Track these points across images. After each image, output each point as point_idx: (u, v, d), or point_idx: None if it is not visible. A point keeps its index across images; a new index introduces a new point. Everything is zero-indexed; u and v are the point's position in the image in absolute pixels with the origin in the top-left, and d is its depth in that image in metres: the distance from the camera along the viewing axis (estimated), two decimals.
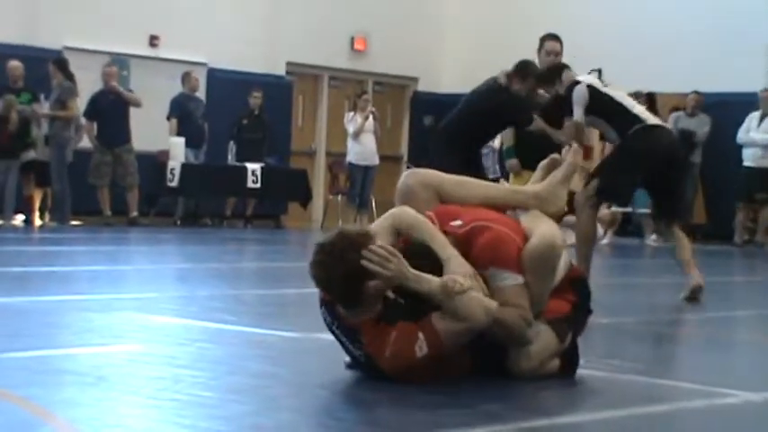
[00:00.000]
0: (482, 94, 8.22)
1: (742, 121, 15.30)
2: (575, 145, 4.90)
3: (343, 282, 3.93)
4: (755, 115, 15.26)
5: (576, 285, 4.36)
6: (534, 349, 4.14)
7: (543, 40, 8.72)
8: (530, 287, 4.13)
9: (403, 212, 4.22)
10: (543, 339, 4.17)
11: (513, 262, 4.13)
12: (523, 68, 8.12)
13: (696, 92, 15.93)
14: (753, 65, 16.08)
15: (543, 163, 4.70)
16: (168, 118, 15.10)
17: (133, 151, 14.45)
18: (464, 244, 4.15)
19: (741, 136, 15.30)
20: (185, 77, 15.40)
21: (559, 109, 7.61)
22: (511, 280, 4.11)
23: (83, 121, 14.21)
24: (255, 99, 15.87)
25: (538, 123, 7.93)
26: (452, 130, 8.23)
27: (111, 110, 14.30)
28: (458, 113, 8.32)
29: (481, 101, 8.20)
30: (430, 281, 3.97)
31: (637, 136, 7.37)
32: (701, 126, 15.78)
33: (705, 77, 16.03)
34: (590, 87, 7.49)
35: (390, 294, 4.04)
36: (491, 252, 4.13)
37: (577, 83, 7.52)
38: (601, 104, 7.46)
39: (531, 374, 4.11)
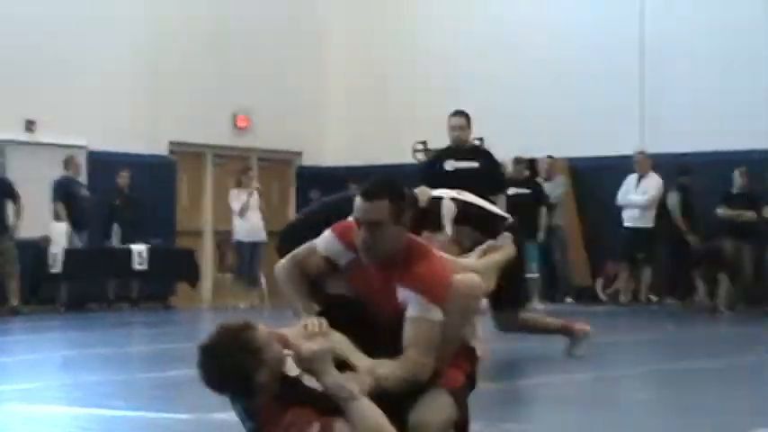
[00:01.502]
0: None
1: (619, 184, 15.69)
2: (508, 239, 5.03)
3: (233, 380, 3.89)
4: (633, 177, 15.67)
5: (472, 356, 4.37)
6: (437, 420, 4.09)
7: (450, 116, 9.02)
8: (447, 324, 4.08)
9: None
10: (445, 409, 4.13)
11: (442, 297, 4.07)
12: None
13: (549, 156, 16.34)
14: (626, 128, 16.53)
15: (481, 247, 4.81)
16: (54, 201, 14.85)
17: (12, 239, 14.16)
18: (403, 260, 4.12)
19: (620, 198, 15.69)
20: (67, 161, 15.20)
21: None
22: (432, 314, 4.05)
23: None
24: (123, 179, 15.67)
25: None
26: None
27: None
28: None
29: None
30: (334, 376, 3.90)
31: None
32: (553, 188, 16.15)
33: (580, 142, 16.44)
34: (453, 200, 7.44)
35: (295, 375, 4.03)
36: (424, 281, 4.07)
37: (438, 199, 7.42)
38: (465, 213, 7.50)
39: None
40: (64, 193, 14.91)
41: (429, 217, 7.19)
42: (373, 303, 4.19)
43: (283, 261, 4.31)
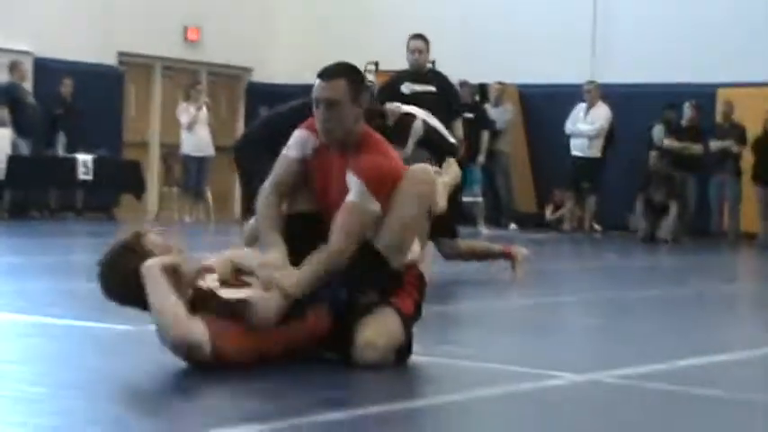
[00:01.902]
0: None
1: (568, 113, 15.75)
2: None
3: (128, 283, 3.98)
4: (582, 106, 15.74)
5: (421, 284, 4.40)
6: (382, 342, 4.16)
7: (409, 38, 9.08)
8: (405, 213, 4.17)
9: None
10: (393, 332, 4.19)
11: (384, 191, 4.17)
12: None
13: (500, 82, 16.35)
14: (578, 57, 16.56)
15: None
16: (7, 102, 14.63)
17: None
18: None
19: (569, 126, 15.76)
20: (13, 67, 14.94)
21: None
22: (368, 204, 4.15)
23: None
24: (66, 87, 15.45)
25: None
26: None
27: None
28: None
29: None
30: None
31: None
32: (501, 115, 16.19)
33: (531, 68, 16.45)
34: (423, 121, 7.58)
35: (211, 287, 4.09)
36: (371, 170, 4.18)
37: (411, 116, 7.53)
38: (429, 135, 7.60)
39: (374, 365, 4.14)
40: (9, 98, 14.69)
41: (395, 130, 7.30)
42: (332, 191, 4.30)
43: (264, 185, 4.40)
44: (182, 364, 4.09)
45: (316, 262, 4.15)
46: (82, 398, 3.60)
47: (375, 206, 4.17)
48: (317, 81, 4.27)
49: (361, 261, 4.18)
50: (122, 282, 4.01)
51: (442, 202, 4.81)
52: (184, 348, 3.93)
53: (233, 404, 3.67)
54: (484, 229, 15.07)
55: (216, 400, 3.74)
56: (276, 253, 4.21)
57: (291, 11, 18.83)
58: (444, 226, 7.48)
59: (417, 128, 7.51)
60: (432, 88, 8.91)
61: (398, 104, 7.63)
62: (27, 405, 3.49)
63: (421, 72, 9.06)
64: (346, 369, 4.13)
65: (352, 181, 4.19)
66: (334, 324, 4.17)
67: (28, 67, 15.58)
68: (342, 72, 4.28)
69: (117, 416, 3.41)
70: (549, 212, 16.49)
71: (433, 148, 7.47)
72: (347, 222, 4.17)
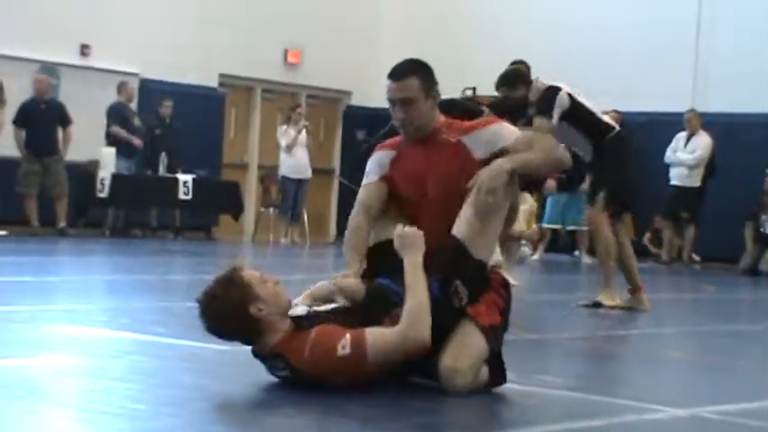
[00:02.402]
0: None
1: (669, 141, 15.55)
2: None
3: (230, 317, 4.03)
4: (682, 135, 15.52)
5: (506, 291, 4.37)
6: (466, 365, 4.13)
7: (510, 64, 9.15)
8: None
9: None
10: (476, 351, 4.15)
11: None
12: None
13: (615, 110, 16.17)
14: (679, 85, 16.35)
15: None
16: (108, 125, 14.94)
17: (62, 161, 14.29)
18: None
19: (668, 155, 15.55)
20: (121, 87, 15.28)
21: (522, 111, 7.72)
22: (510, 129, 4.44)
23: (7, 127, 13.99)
24: (165, 108, 15.72)
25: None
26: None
27: (42, 119, 14.14)
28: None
29: None
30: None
31: (614, 144, 7.79)
32: None
33: (632, 97, 16.27)
34: (569, 95, 7.72)
35: (305, 310, 4.12)
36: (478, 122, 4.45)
37: (556, 88, 7.68)
38: (577, 111, 7.68)
39: (463, 389, 4.11)
40: (119, 118, 15.01)
41: (540, 102, 7.61)
42: (430, 183, 4.35)
43: (353, 210, 4.50)
44: (276, 384, 4.10)
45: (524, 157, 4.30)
46: (180, 416, 3.64)
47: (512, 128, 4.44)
48: (388, 82, 4.40)
49: (445, 252, 4.18)
50: (223, 315, 4.06)
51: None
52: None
53: (326, 426, 3.68)
54: (586, 259, 14.90)
55: (309, 421, 3.75)
56: (349, 271, 4.25)
57: (391, 35, 18.92)
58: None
59: (563, 99, 7.62)
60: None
61: (542, 80, 7.86)
62: (130, 422, 3.54)
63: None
64: (441, 395, 4.10)
65: (492, 139, 4.35)
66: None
67: (134, 87, 15.91)
68: (411, 70, 4.40)
69: None
70: (647, 241, 16.25)
71: (583, 125, 7.59)
72: (537, 140, 4.39)
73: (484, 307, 4.22)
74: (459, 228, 4.21)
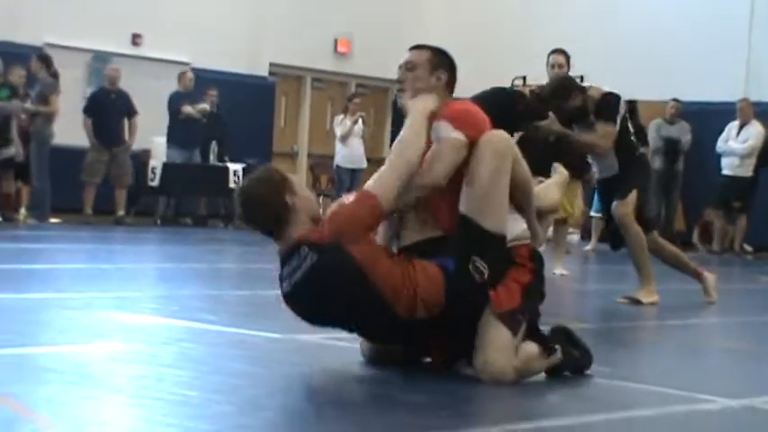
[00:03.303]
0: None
1: (720, 130, 15.40)
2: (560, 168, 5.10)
3: (263, 200, 4.13)
4: (734, 125, 15.37)
5: (534, 262, 4.35)
6: (497, 356, 4.10)
7: (549, 53, 9.13)
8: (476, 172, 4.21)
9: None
10: (501, 342, 4.11)
11: (470, 127, 4.29)
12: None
13: (675, 99, 16.05)
14: (732, 74, 16.18)
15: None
16: (172, 113, 15.06)
17: (128, 151, 14.47)
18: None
19: (720, 145, 15.41)
20: (180, 76, 15.41)
21: (584, 119, 7.60)
22: (454, 134, 4.26)
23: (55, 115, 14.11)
24: (210, 97, 15.79)
25: (556, 125, 7.59)
26: None
27: (111, 109, 14.29)
28: None
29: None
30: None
31: (643, 161, 7.86)
32: (682, 134, 15.93)
33: (684, 86, 16.13)
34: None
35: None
36: (454, 112, 4.34)
37: (618, 95, 7.60)
38: (623, 121, 7.62)
39: (508, 380, 4.12)
40: (178, 107, 15.14)
41: (600, 108, 7.51)
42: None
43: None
44: (328, 373, 4.13)
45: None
46: (231, 403, 3.67)
47: (460, 137, 4.26)
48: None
49: (457, 232, 4.18)
50: (260, 196, 4.16)
51: (554, 197, 4.82)
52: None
53: (373, 413, 3.69)
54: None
55: (361, 410, 3.77)
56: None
57: (440, 23, 18.90)
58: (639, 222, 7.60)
59: (623, 107, 7.61)
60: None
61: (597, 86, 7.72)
62: (182, 408, 3.58)
63: None
64: (490, 384, 4.11)
65: (436, 126, 4.32)
66: (448, 303, 4.11)
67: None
68: (427, 46, 4.59)
69: (264, 422, 3.47)
70: (696, 238, 16.11)
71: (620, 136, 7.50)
72: (436, 152, 4.26)
73: (503, 290, 4.19)
74: (460, 203, 4.23)
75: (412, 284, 4.06)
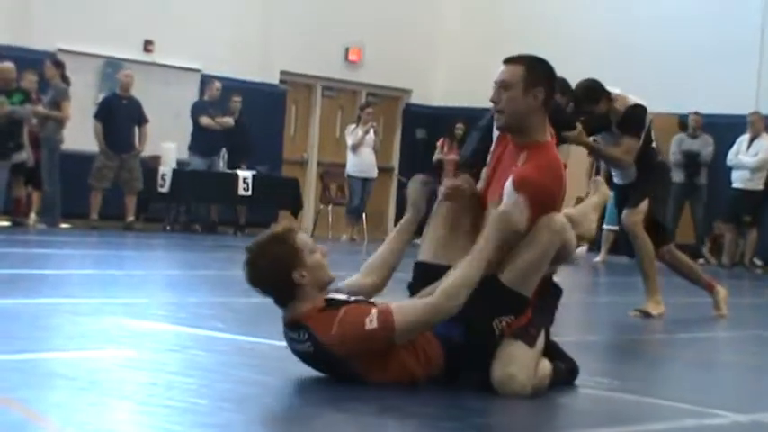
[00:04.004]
0: None
1: (731, 144, 15.37)
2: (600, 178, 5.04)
3: (273, 273, 4.09)
4: (745, 138, 15.34)
5: (543, 289, 4.31)
6: (516, 369, 4.09)
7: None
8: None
9: None
10: (520, 355, 4.11)
11: (538, 208, 4.08)
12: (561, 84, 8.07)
13: (696, 113, 15.97)
14: (743, 87, 16.15)
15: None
16: (195, 121, 15.15)
17: (138, 157, 14.50)
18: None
19: (731, 158, 15.38)
20: (206, 85, 15.53)
21: (606, 127, 7.52)
22: (517, 216, 4.04)
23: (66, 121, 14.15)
24: (235, 104, 15.85)
25: (582, 137, 7.40)
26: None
27: (123, 115, 14.33)
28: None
29: None
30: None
31: (664, 168, 7.79)
32: (704, 146, 15.85)
33: (695, 99, 16.10)
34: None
35: (333, 294, 4.17)
36: (534, 190, 4.09)
37: (645, 107, 7.47)
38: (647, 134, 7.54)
39: (523, 393, 4.10)
40: (202, 115, 15.23)
41: (625, 121, 7.33)
42: (494, 181, 4.31)
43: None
44: (338, 383, 4.13)
45: (465, 264, 4.06)
46: (239, 411, 3.67)
47: (523, 219, 4.05)
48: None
49: (484, 291, 4.08)
50: (266, 271, 4.11)
51: (591, 225, 4.73)
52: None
53: (384, 424, 3.69)
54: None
55: (368, 418, 3.76)
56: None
57: (452, 34, 18.91)
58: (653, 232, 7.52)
59: (649, 120, 7.46)
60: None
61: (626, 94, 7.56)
62: (191, 416, 3.58)
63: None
64: (501, 397, 4.10)
65: (508, 188, 4.12)
66: (447, 360, 4.12)
67: (195, 84, 16.05)
68: (524, 59, 4.28)
69: (273, 430, 3.46)
70: (706, 251, 16.06)
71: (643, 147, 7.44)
72: (490, 230, 4.08)
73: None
74: (501, 268, 4.12)
75: (408, 373, 4.09)
